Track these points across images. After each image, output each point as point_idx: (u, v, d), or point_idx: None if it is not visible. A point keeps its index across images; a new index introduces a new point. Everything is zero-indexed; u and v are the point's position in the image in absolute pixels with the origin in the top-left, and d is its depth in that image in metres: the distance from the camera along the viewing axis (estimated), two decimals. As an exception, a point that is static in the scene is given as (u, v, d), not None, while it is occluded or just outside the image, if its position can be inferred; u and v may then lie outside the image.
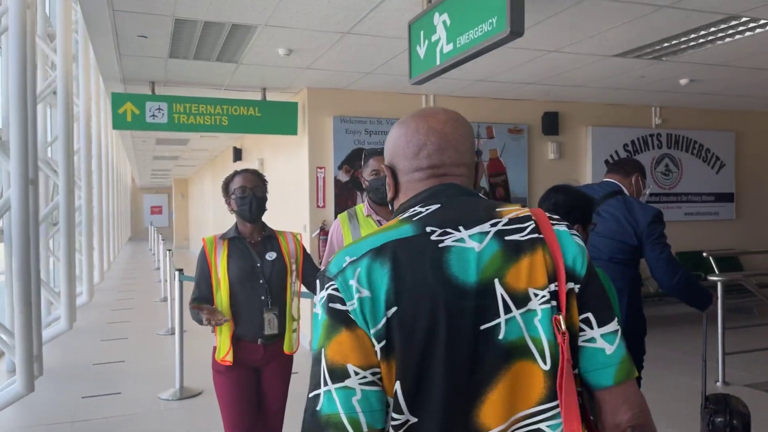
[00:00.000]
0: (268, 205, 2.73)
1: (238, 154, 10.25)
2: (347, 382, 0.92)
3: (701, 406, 2.40)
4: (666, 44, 4.69)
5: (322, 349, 0.95)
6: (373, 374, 0.93)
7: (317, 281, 1.02)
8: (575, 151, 7.28)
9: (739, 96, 6.99)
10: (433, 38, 3.44)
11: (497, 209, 1.05)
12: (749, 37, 4.51)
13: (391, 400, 0.94)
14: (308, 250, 3.06)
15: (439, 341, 0.93)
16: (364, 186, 2.77)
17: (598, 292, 1.02)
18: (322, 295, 0.98)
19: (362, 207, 2.80)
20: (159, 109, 6.05)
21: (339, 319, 0.95)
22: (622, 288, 2.71)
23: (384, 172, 1.18)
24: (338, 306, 0.96)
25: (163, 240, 11.98)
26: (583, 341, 0.99)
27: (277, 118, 6.28)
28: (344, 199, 6.28)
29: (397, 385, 0.93)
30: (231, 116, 6.19)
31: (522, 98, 6.90)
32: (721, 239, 7.91)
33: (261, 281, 2.59)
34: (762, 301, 6.02)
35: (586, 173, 7.28)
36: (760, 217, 8.23)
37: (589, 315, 1.00)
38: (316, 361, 0.96)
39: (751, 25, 4.24)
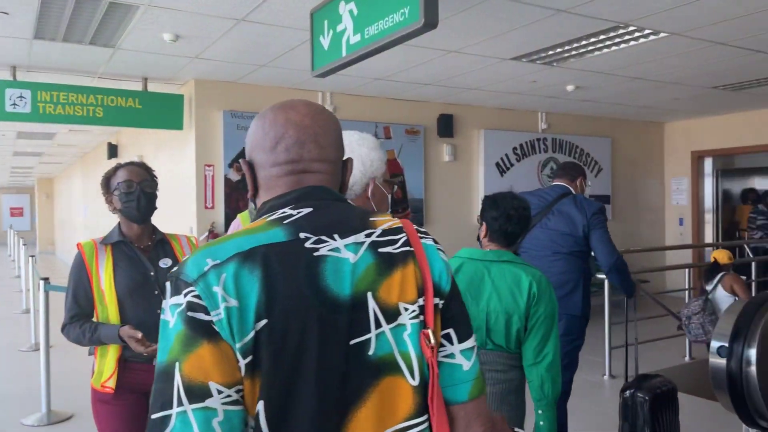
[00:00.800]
0: None
1: (113, 151, 9.41)
2: (208, 402, 0.82)
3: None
4: (559, 49, 4.83)
5: (176, 364, 0.84)
6: (237, 392, 0.85)
7: (167, 283, 0.90)
8: (469, 153, 7.39)
9: (615, 104, 7.44)
10: (339, 28, 3.25)
11: (371, 219, 1.01)
12: (632, 46, 4.75)
13: (252, 420, 0.86)
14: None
15: (310, 357, 0.87)
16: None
17: (459, 308, 1.01)
18: (177, 301, 0.86)
19: None
20: (21, 97, 5.34)
21: (200, 330, 0.84)
22: (577, 277, 3.21)
23: (244, 166, 1.06)
24: (200, 316, 0.85)
25: (24, 245, 10.78)
26: (443, 356, 0.98)
27: (161, 111, 5.77)
28: (235, 199, 5.90)
29: (260, 405, 0.85)
30: (107, 107, 5.60)
31: (419, 99, 6.89)
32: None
33: (156, 292, 2.23)
34: (640, 296, 6.40)
35: (479, 176, 7.42)
36: (633, 218, 8.85)
37: (450, 331, 0.99)
38: (165, 376, 0.84)
39: (636, 34, 4.46)
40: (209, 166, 5.85)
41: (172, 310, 0.87)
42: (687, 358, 5.68)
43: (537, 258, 3.28)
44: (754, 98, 7.09)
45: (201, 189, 5.82)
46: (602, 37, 4.51)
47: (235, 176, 5.91)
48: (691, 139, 8.87)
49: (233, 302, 0.85)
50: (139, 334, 2.08)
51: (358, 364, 0.91)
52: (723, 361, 3.26)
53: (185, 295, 0.86)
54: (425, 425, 0.94)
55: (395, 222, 1.02)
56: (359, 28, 3.06)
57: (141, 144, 8.01)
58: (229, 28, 4.23)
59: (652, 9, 3.90)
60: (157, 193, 2.35)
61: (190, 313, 0.85)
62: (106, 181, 2.33)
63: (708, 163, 8.92)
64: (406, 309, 0.94)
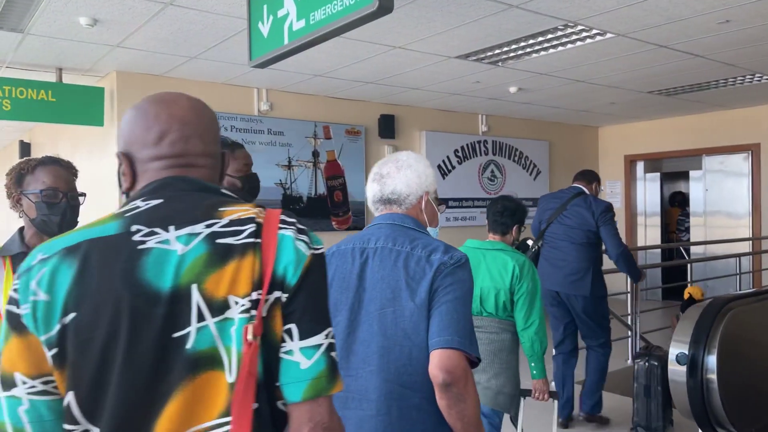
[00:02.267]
0: None
1: (25, 150, 8.62)
2: (14, 392, 0.88)
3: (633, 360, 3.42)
4: (506, 48, 4.71)
5: None
6: (45, 383, 0.88)
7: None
8: (410, 154, 7.20)
9: (554, 107, 7.47)
10: (280, 13, 2.96)
11: (220, 208, 0.96)
12: (578, 47, 4.70)
13: (57, 412, 0.89)
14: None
15: (118, 350, 0.87)
16: (226, 183, 2.21)
17: (309, 303, 0.94)
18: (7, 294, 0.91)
19: None
20: None
21: (12, 323, 0.89)
22: (588, 265, 3.81)
23: (121, 160, 1.03)
24: (13, 309, 0.89)
25: None
26: (282, 353, 0.93)
27: (78, 105, 5.24)
28: (163, 202, 5.44)
29: (70, 395, 0.87)
30: (16, 100, 5.03)
31: (359, 99, 6.64)
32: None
33: None
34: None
35: (421, 177, 7.25)
36: (568, 220, 8.93)
37: (292, 326, 0.93)
38: None
39: (584, 34, 4.39)
40: (133, 166, 5.38)
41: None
42: (630, 362, 5.69)
43: (555, 247, 3.92)
44: (685, 104, 7.28)
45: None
46: (550, 36, 4.42)
47: (162, 177, 5.45)
48: (624, 144, 9.06)
49: (43, 296, 0.88)
50: None
51: (175, 358, 0.88)
52: (682, 369, 3.19)
53: (12, 288, 0.90)
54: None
55: (249, 212, 0.96)
56: (303, 12, 2.77)
57: (56, 141, 7.36)
58: (155, 12, 3.84)
59: (601, 8, 3.83)
60: (82, 204, 1.96)
61: (8, 306, 0.89)
62: (20, 178, 1.90)
63: (640, 167, 9.14)
64: (236, 302, 0.90)
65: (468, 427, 1.45)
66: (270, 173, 6.03)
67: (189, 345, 0.89)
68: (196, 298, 0.89)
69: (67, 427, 0.88)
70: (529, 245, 3.78)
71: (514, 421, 2.78)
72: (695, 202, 8.62)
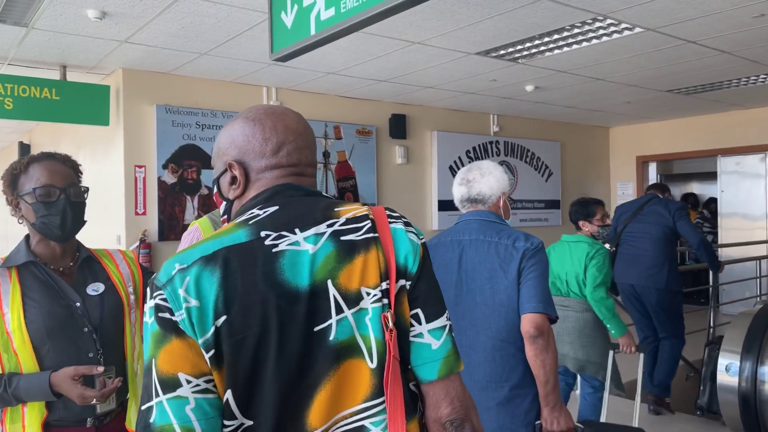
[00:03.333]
0: None
1: (25, 152, 8.42)
2: (179, 392, 0.90)
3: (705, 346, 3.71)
4: (528, 44, 4.54)
5: (153, 360, 0.92)
6: (206, 381, 0.92)
7: (147, 289, 0.97)
8: (422, 155, 7.04)
9: (567, 107, 7.30)
10: (306, 2, 2.77)
11: (335, 209, 1.04)
12: (604, 42, 4.53)
13: (218, 410, 0.92)
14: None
15: (270, 347, 0.92)
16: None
17: (429, 288, 1.02)
18: (150, 304, 0.95)
19: None
20: None
21: (169, 328, 0.92)
22: (664, 260, 4.13)
23: (235, 169, 1.08)
24: (167, 316, 0.93)
25: None
26: (412, 336, 1.00)
27: (83, 104, 5.06)
28: (170, 204, 5.26)
29: (229, 393, 0.92)
30: (18, 99, 4.84)
31: (371, 98, 6.47)
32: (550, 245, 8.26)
33: (86, 329, 1.66)
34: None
35: (433, 179, 7.08)
36: (580, 223, 8.77)
37: (419, 311, 1.01)
38: (148, 371, 0.93)
39: (611, 29, 4.22)
40: (140, 167, 5.19)
41: (148, 312, 0.95)
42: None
43: (632, 245, 4.22)
44: (702, 103, 7.12)
45: (131, 193, 5.14)
46: (576, 31, 4.25)
47: (170, 178, 5.27)
48: (636, 144, 8.91)
49: (194, 302, 0.92)
50: (97, 369, 1.57)
51: (320, 349, 0.94)
52: (733, 380, 3.03)
53: (155, 298, 0.94)
54: (381, 407, 0.96)
55: (361, 210, 1.04)
56: (333, 1, 2.59)
57: (58, 141, 7.15)
58: (168, 4, 3.65)
59: (633, 0, 3.66)
60: (86, 198, 1.76)
61: (160, 314, 0.93)
62: (13, 180, 1.71)
63: (652, 168, 8.98)
64: (368, 293, 0.97)
65: (548, 375, 1.91)
66: (280, 174, 5.85)
67: (331, 337, 0.95)
68: (332, 292, 0.96)
69: (226, 422, 0.92)
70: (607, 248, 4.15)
71: (605, 381, 3.28)
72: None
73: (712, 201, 8.70)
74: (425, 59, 4.94)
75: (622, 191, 9.05)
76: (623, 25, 4.15)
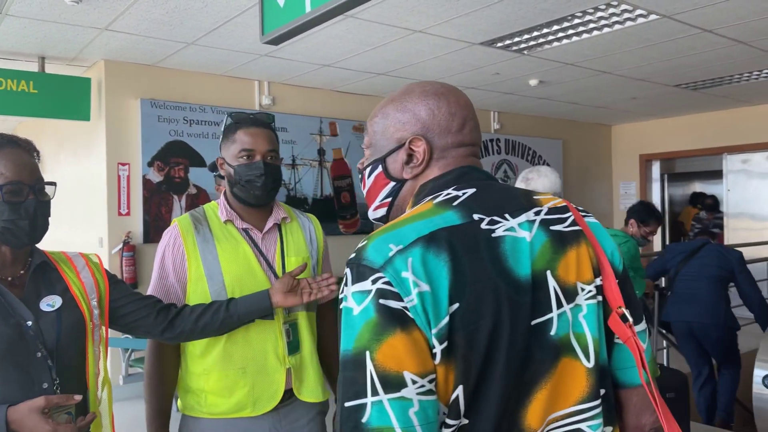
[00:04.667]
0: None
1: (7, 151, 8.08)
2: (403, 392, 0.79)
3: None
4: (536, 33, 4.28)
5: (367, 352, 0.80)
6: (431, 381, 0.81)
7: (347, 270, 0.85)
8: (421, 153, 6.77)
9: (569, 103, 7.06)
10: (300, -24, 2.50)
11: (534, 197, 0.98)
12: (616, 31, 4.28)
13: (443, 407, 0.83)
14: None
15: (502, 339, 0.84)
16: (223, 174, 1.77)
17: (632, 289, 0.98)
18: (363, 288, 0.82)
19: (216, 208, 1.78)
20: None
21: (393, 318, 0.80)
22: (720, 298, 4.21)
23: (419, 145, 0.98)
24: (392, 303, 0.81)
25: None
26: (617, 338, 0.95)
27: (62, 98, 4.76)
28: (156, 204, 4.96)
29: (459, 390, 0.82)
30: (-8, 92, 4.54)
31: (368, 93, 6.19)
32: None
33: (39, 354, 1.36)
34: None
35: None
36: (582, 223, 8.52)
37: (629, 310, 0.94)
38: (356, 365, 0.81)
39: (625, 15, 3.97)
40: (124, 164, 4.89)
41: (356, 297, 0.83)
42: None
43: (690, 286, 4.30)
44: (709, 99, 6.89)
45: (113, 192, 4.84)
46: (588, 18, 4.00)
47: (156, 177, 4.97)
48: (639, 143, 8.68)
49: (425, 287, 0.82)
50: (74, 399, 1.32)
51: (540, 344, 0.88)
52: (771, 393, 2.77)
53: (373, 281, 0.83)
54: (598, 410, 0.90)
55: (559, 200, 0.99)
56: (331, -28, 2.32)
57: (37, 137, 6.80)
58: (150, -13, 3.37)
59: (653, -18, 3.41)
60: (50, 194, 1.45)
61: (381, 301, 0.82)
62: None
63: (656, 167, 8.76)
64: (583, 289, 0.92)
65: None
66: (273, 173, 5.57)
67: (552, 332, 0.88)
68: (552, 284, 0.89)
69: (449, 422, 0.83)
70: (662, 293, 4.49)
71: None
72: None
73: (707, 197, 8.48)
74: (427, 50, 4.67)
75: (625, 190, 8.81)
76: (638, 12, 3.90)
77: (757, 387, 2.61)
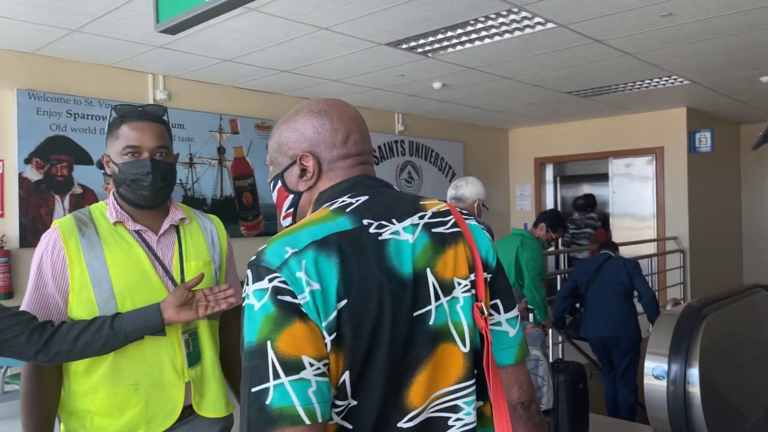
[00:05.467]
0: None
1: None
2: (303, 374, 0.90)
3: None
4: (441, 35, 4.33)
5: (269, 342, 0.90)
6: (324, 365, 0.92)
7: (248, 271, 0.96)
8: (325, 153, 6.67)
9: (471, 107, 7.25)
10: (199, -38, 2.33)
11: (421, 202, 1.11)
12: (516, 37, 4.42)
13: (333, 390, 0.94)
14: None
15: (384, 330, 0.96)
16: (109, 173, 1.60)
17: (504, 281, 1.14)
18: (261, 286, 0.93)
19: (104, 209, 1.60)
20: None
21: (290, 311, 0.91)
22: (628, 312, 4.63)
23: (308, 160, 1.11)
24: (288, 298, 0.92)
25: None
26: (491, 324, 1.09)
27: None
28: (35, 205, 4.53)
29: (346, 375, 0.94)
30: None
31: (271, 90, 6.01)
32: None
33: None
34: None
35: (337, 178, 6.73)
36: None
37: (498, 301, 1.11)
38: (259, 353, 0.90)
39: (525, 23, 4.11)
40: (-4, 161, 4.42)
41: (256, 295, 0.93)
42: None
43: (599, 302, 4.68)
44: (597, 106, 7.33)
45: (-16, 191, 4.36)
46: (490, 23, 4.09)
47: (35, 175, 4.53)
48: (534, 147, 9.08)
49: (316, 286, 0.92)
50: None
51: (420, 333, 1.00)
52: (661, 384, 2.93)
53: (269, 280, 0.93)
54: (472, 388, 1.03)
55: (443, 205, 1.12)
56: (233, -41, 2.18)
57: None
58: (27, -36, 3.05)
59: (551, -8, 3.54)
60: None
61: (279, 297, 0.92)
62: None
63: (549, 170, 9.20)
64: (459, 283, 1.04)
65: None
66: (169, 172, 5.25)
67: (431, 321, 1.01)
68: (431, 280, 1.02)
69: (337, 402, 0.94)
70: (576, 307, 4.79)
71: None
72: (602, 204, 8.79)
73: (578, 198, 9.04)
74: (332, 48, 4.59)
75: (521, 192, 9.19)
76: (536, 19, 4.04)
77: (648, 379, 2.75)
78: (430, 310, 1.00)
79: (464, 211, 1.15)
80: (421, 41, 4.45)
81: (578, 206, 8.75)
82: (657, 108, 7.62)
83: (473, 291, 1.05)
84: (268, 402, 0.87)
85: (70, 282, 1.50)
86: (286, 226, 1.10)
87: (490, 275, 1.09)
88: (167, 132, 1.63)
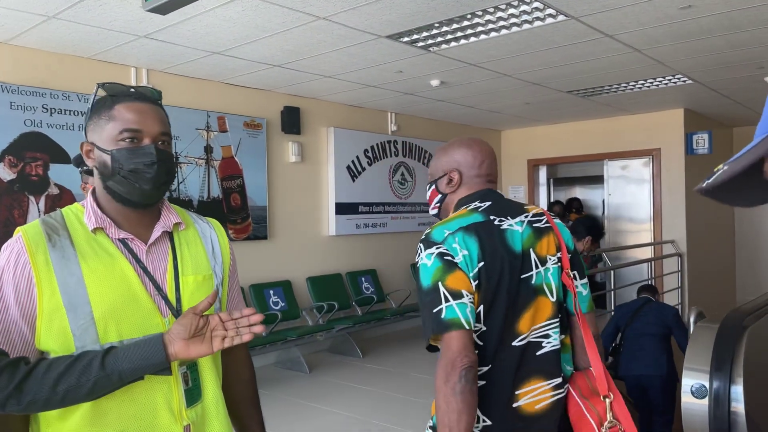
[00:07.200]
0: None
1: None
2: (463, 300, 1.45)
3: None
4: (446, 28, 4.09)
5: (439, 282, 1.46)
6: (471, 298, 1.47)
7: (421, 245, 1.53)
8: (317, 153, 6.39)
9: (466, 107, 7.03)
10: (196, -70, 2.06)
11: (524, 207, 1.66)
12: (524, 31, 4.20)
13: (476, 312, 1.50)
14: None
15: (504, 282, 1.50)
16: (91, 165, 1.31)
17: (578, 259, 1.67)
18: (431, 251, 1.50)
19: (80, 212, 1.30)
20: None
21: (452, 265, 1.48)
22: (663, 352, 4.48)
23: (455, 175, 1.69)
24: (450, 259, 1.48)
25: None
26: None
27: None
28: (6, 206, 4.18)
29: (481, 307, 1.49)
30: None
31: (260, 87, 5.72)
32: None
33: None
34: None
35: (330, 180, 6.46)
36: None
37: (575, 272, 1.63)
38: (434, 290, 1.46)
39: (535, 14, 3.88)
40: (-36, 158, 4.07)
41: (428, 257, 1.50)
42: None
43: (636, 341, 4.65)
44: (595, 106, 7.16)
45: (-50, 192, 4.01)
46: (499, 14, 3.86)
47: (7, 174, 4.18)
48: (526, 148, 8.90)
49: (465, 252, 1.49)
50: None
51: (526, 287, 1.54)
52: (702, 403, 2.69)
53: (436, 248, 1.50)
54: (557, 324, 1.58)
55: (538, 209, 1.67)
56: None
57: None
58: (-2, -62, 2.73)
59: (568, -21, 3.32)
60: None
61: (444, 257, 1.49)
62: None
63: (542, 172, 9.02)
64: (550, 259, 1.59)
65: None
66: (152, 171, 4.94)
67: (533, 281, 1.56)
68: (533, 256, 1.57)
69: (475, 325, 1.48)
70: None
71: None
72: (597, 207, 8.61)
73: (554, 204, 8.55)
74: (329, 40, 4.33)
75: (514, 194, 8.99)
76: (548, 11, 3.82)
77: (686, 397, 2.52)
78: (532, 275, 1.55)
79: (552, 214, 1.71)
80: (424, 33, 4.21)
81: (555, 213, 7.84)
82: (654, 109, 7.47)
83: (560, 264, 1.60)
84: (443, 316, 1.43)
85: (38, 305, 1.19)
86: (434, 215, 1.75)
87: (569, 255, 1.64)
88: (167, 118, 1.36)
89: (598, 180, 8.84)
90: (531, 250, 1.54)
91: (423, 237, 1.53)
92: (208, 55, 4.63)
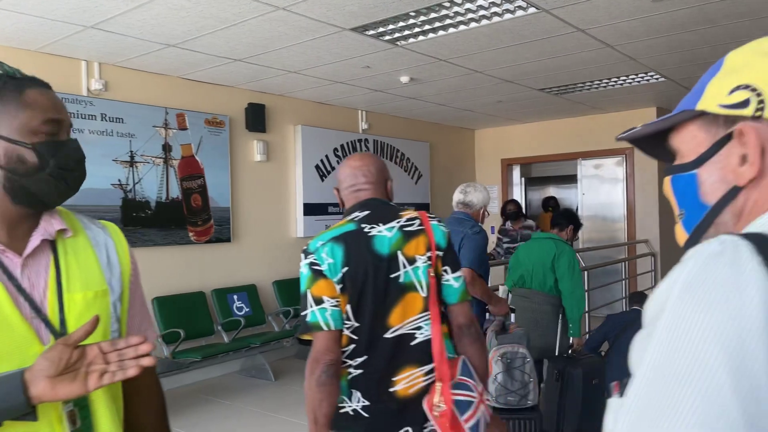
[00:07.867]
0: None
1: None
2: (324, 305, 1.70)
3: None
4: (413, 21, 3.91)
5: (308, 290, 1.72)
6: (336, 301, 1.71)
7: (301, 254, 1.78)
8: (284, 152, 6.17)
9: (437, 104, 6.88)
10: None
11: (400, 213, 1.84)
12: (494, 24, 4.04)
13: (343, 315, 1.73)
14: None
15: (369, 283, 1.72)
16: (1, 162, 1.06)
17: (451, 256, 1.85)
18: (305, 261, 1.74)
19: None
20: None
21: (319, 273, 1.72)
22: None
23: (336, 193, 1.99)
24: (317, 267, 1.72)
25: None
26: (443, 281, 1.82)
27: None
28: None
29: (348, 307, 1.72)
30: None
31: (222, 83, 5.49)
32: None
33: None
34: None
35: (297, 180, 6.24)
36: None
37: (447, 267, 1.82)
38: (304, 296, 1.73)
39: (505, 6, 3.73)
40: None
41: (304, 266, 1.74)
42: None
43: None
44: (568, 105, 7.06)
45: None
46: (467, 6, 3.70)
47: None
48: (500, 147, 8.78)
49: (330, 261, 1.72)
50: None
51: (395, 286, 1.75)
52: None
53: (309, 258, 1.74)
54: (428, 317, 1.77)
55: (413, 213, 1.85)
56: None
57: None
58: None
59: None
60: None
61: (313, 267, 1.73)
62: None
63: (516, 171, 8.91)
64: (419, 258, 1.78)
65: None
66: (105, 171, 4.67)
67: (401, 280, 1.75)
68: (401, 257, 1.76)
69: (346, 322, 1.73)
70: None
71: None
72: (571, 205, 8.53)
73: (509, 203, 7.77)
74: (290, 33, 4.12)
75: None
76: (517, 3, 3.67)
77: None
78: (399, 274, 1.75)
79: (431, 215, 1.86)
80: (390, 26, 4.02)
81: (509, 214, 6.73)
82: (627, 107, 7.40)
83: (429, 262, 1.77)
84: (307, 319, 1.71)
85: None
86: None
87: (441, 252, 1.81)
88: None
89: (571, 179, 8.76)
90: (399, 251, 1.74)
91: (304, 247, 1.77)
92: (163, 47, 4.39)
